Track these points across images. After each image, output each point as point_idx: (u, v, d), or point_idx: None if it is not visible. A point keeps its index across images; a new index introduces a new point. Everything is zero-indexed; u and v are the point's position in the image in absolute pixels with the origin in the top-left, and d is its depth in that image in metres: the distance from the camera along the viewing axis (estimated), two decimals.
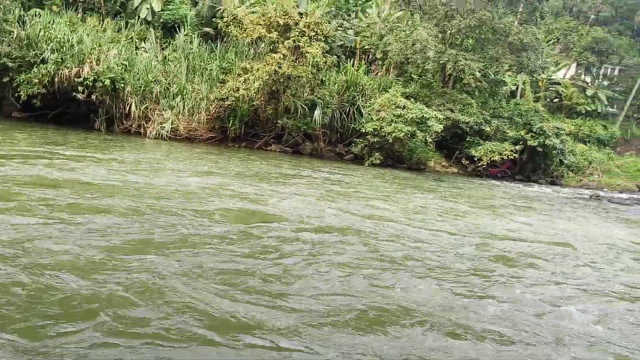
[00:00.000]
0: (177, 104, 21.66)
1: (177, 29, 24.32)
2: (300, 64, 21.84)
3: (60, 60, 20.12)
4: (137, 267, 5.37)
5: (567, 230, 12.28)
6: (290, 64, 21.31)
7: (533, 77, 33.99)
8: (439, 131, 22.77)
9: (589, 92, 38.94)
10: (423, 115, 22.18)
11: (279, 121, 22.72)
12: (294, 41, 21.51)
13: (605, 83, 41.44)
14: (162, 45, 24.24)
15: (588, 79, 41.07)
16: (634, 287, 7.39)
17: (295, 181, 14.41)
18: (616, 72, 42.98)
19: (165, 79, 22.13)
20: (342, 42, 28.00)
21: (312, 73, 22.00)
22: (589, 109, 38.42)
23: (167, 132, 21.06)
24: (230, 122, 22.34)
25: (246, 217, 8.69)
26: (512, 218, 13.05)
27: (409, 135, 22.19)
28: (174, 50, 23.67)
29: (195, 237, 6.82)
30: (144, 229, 6.88)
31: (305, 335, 4.37)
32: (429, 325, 4.92)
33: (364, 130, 22.81)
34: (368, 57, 29.14)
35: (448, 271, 6.91)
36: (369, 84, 24.79)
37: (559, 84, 38.88)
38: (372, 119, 22.82)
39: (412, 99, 23.85)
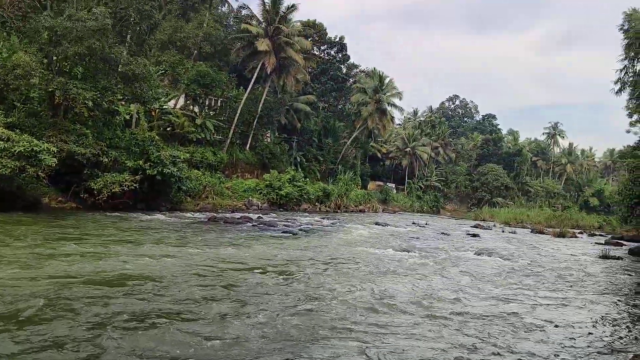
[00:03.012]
0: None
1: None
2: None
3: None
4: None
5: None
6: None
7: (146, 107, 34.78)
8: (53, 165, 20.97)
9: (198, 121, 42.14)
10: (33, 149, 20.11)
11: None
12: None
13: (211, 113, 45.55)
14: None
15: (197, 109, 44.43)
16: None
17: None
18: (219, 103, 47.80)
19: None
20: None
21: None
22: (199, 137, 41.55)
23: None
24: None
25: None
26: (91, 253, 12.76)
27: (17, 171, 19.77)
28: None
29: None
30: None
31: None
32: None
33: None
34: None
35: None
36: None
37: (170, 113, 40.77)
38: None
39: (17, 130, 21.36)
